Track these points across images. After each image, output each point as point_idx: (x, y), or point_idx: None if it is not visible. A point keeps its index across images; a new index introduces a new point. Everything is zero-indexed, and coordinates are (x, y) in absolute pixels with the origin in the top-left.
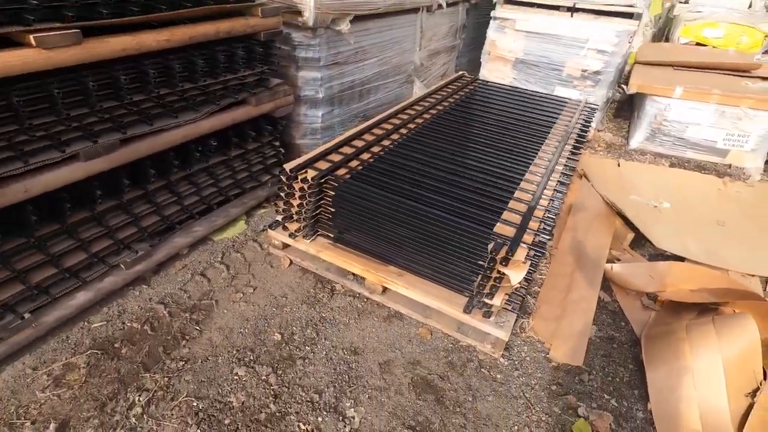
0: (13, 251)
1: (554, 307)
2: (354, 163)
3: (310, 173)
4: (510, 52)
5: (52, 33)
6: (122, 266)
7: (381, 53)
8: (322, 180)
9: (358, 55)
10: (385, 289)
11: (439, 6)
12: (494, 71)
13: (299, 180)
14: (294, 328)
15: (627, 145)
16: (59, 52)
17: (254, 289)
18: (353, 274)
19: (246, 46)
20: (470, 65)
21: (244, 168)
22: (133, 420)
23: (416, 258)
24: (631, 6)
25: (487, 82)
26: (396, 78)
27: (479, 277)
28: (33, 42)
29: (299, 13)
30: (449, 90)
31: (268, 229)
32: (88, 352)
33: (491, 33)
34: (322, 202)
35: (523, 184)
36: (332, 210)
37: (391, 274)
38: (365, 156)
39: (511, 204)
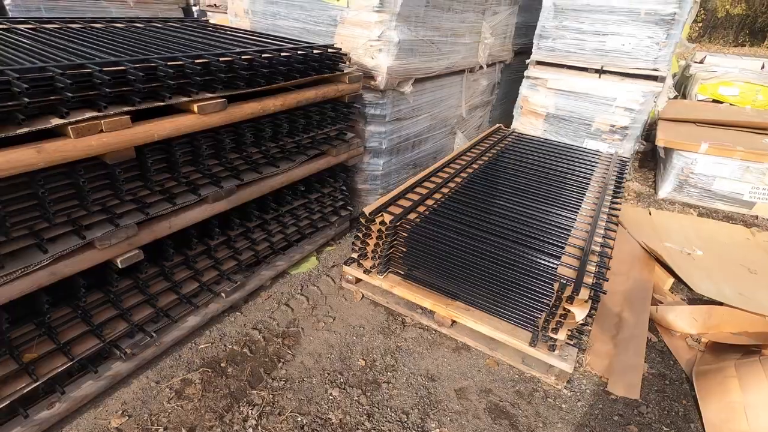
0: (148, 278)
1: (606, 344)
2: (421, 208)
3: (386, 217)
4: (542, 107)
5: (208, 102)
6: (223, 294)
7: (432, 109)
8: (397, 223)
9: (414, 112)
10: (453, 323)
11: (480, 67)
12: (526, 124)
13: (377, 222)
14: (374, 355)
15: (655, 195)
16: (211, 117)
17: (333, 319)
18: (422, 308)
19: (333, 106)
20: (502, 117)
21: (319, 209)
22: (250, 431)
23: (482, 295)
24: (655, 70)
25: (523, 134)
26: (442, 130)
27: (544, 313)
28: (196, 110)
29: (373, 78)
30: (490, 141)
31: (344, 265)
32: (200, 369)
33: (524, 90)
34: (395, 241)
35: (574, 231)
36: (404, 249)
37: (459, 308)
38: (429, 202)
39: (567, 248)
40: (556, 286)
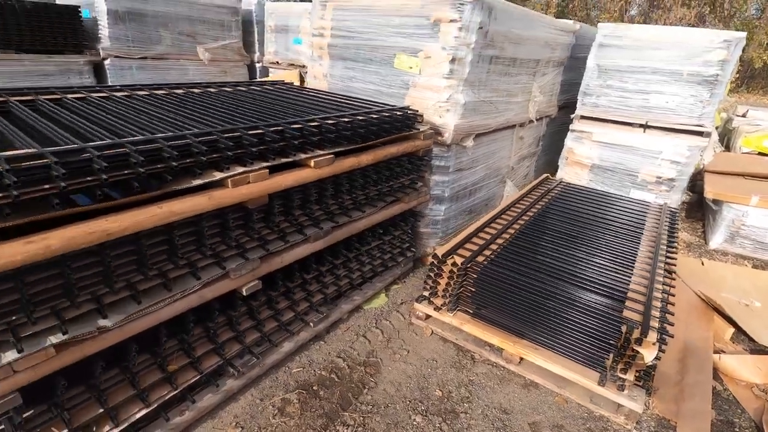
0: (258, 306)
1: (671, 389)
2: (486, 252)
3: (457, 259)
4: (587, 159)
5: (321, 158)
6: (311, 324)
7: (487, 160)
8: (468, 265)
9: (472, 163)
10: (520, 360)
11: (530, 121)
12: (571, 174)
13: (448, 263)
14: (450, 387)
15: (706, 245)
16: (323, 170)
17: (408, 352)
18: (490, 345)
19: (409, 159)
20: (546, 166)
21: (389, 250)
22: None
23: (548, 334)
24: (700, 126)
25: (570, 184)
26: (494, 179)
27: (611, 354)
28: (312, 164)
29: (440, 134)
30: (541, 190)
31: (415, 302)
32: (296, 390)
33: (569, 142)
34: (464, 282)
35: (633, 278)
36: (472, 289)
37: (526, 347)
38: (493, 246)
39: (629, 294)
40: (623, 328)
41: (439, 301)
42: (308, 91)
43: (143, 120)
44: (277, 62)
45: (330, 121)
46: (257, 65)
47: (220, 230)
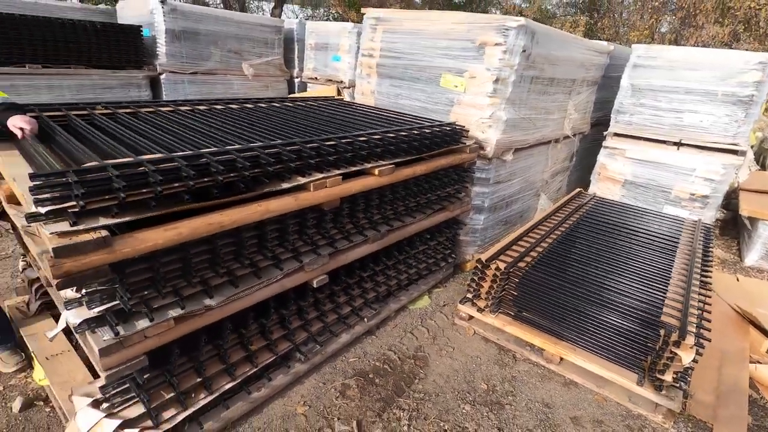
0: (323, 298)
1: (707, 394)
2: (528, 258)
3: (500, 264)
4: (620, 174)
5: (384, 167)
6: (365, 319)
7: (524, 174)
8: (510, 270)
9: (510, 176)
10: (560, 360)
11: (565, 137)
12: (603, 189)
13: (491, 268)
14: (494, 381)
15: (741, 262)
16: (385, 178)
17: (453, 349)
18: (531, 345)
19: (456, 171)
20: (578, 181)
21: (433, 254)
22: (405, 428)
23: (588, 336)
24: (735, 145)
25: (603, 198)
26: (529, 192)
27: (649, 356)
28: (376, 173)
29: (483, 148)
30: (575, 204)
31: (458, 304)
32: (354, 377)
33: (602, 158)
34: (507, 285)
35: (670, 287)
36: (514, 293)
37: (566, 348)
38: (533, 254)
39: (666, 301)
40: (662, 331)
41: (482, 303)
42: (359, 107)
43: (222, 131)
44: (316, 78)
45: (390, 135)
46: (296, 80)
47: (299, 228)
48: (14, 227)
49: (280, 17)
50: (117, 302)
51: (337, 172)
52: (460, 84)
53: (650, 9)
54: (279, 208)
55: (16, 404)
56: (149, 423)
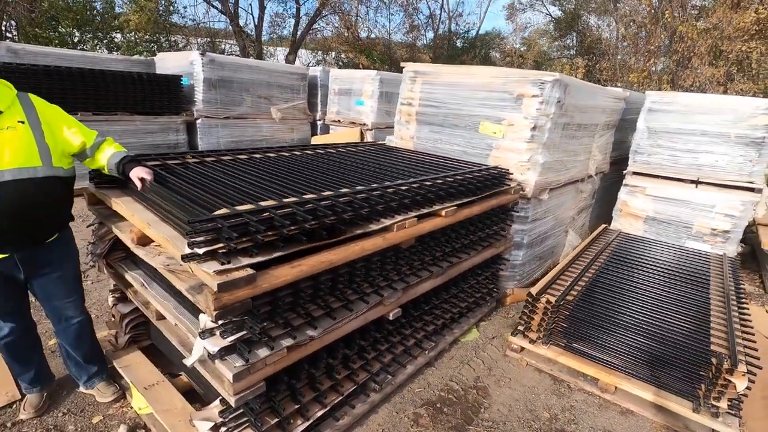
0: (393, 331)
1: (760, 422)
2: (573, 292)
3: (550, 297)
4: (641, 211)
5: (449, 208)
6: (426, 351)
7: (555, 212)
8: (561, 303)
9: (545, 214)
10: (615, 389)
11: (589, 177)
12: (626, 225)
13: (542, 301)
14: (555, 410)
15: (766, 294)
16: (450, 218)
17: (510, 380)
18: (584, 375)
19: (502, 210)
20: (599, 217)
21: (479, 289)
22: None
23: (641, 366)
24: (750, 183)
25: (629, 234)
26: (559, 229)
27: (703, 384)
28: (443, 214)
29: (522, 188)
30: (604, 240)
31: (510, 336)
32: (423, 406)
33: (623, 195)
34: (557, 318)
35: (713, 319)
36: (564, 324)
37: (620, 377)
38: (577, 287)
39: (712, 332)
40: (714, 360)
41: (533, 335)
42: (405, 151)
43: (296, 178)
44: (339, 120)
45: (450, 180)
46: (318, 123)
47: (380, 265)
48: (109, 265)
49: (294, 62)
50: (245, 332)
51: (414, 213)
52: (499, 131)
53: (646, 52)
54: (371, 247)
55: (121, 431)
56: None
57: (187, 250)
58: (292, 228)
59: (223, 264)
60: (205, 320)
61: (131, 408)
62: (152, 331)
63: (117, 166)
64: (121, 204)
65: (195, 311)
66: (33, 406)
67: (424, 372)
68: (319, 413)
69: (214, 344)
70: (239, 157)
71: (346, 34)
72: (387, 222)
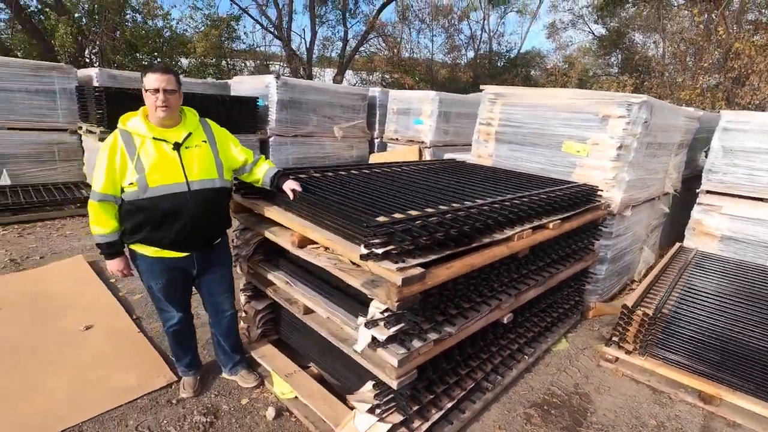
0: (503, 334)
1: None
2: (667, 306)
3: (647, 311)
4: (716, 230)
5: (555, 221)
6: (526, 356)
7: (634, 228)
8: (658, 315)
9: (625, 230)
10: (720, 401)
11: (664, 194)
12: (700, 243)
13: (638, 313)
14: (660, 419)
15: None
16: (555, 231)
17: (609, 388)
18: (684, 387)
19: (593, 226)
20: (669, 236)
21: (567, 301)
22: None
23: (746, 379)
24: None
25: (706, 253)
26: (636, 245)
27: None
28: (551, 226)
29: (609, 205)
30: (683, 257)
31: (604, 347)
32: (531, 407)
33: (696, 214)
34: (653, 330)
35: None
36: (660, 336)
37: (725, 390)
38: (670, 301)
39: None
40: None
41: (628, 346)
42: (489, 168)
43: (420, 191)
44: (397, 138)
45: (552, 194)
46: (376, 141)
47: (501, 271)
48: (255, 273)
49: (341, 83)
50: (404, 324)
51: (528, 225)
52: (582, 149)
53: (699, 69)
54: (498, 254)
55: (270, 413)
56: (404, 430)
57: (363, 251)
58: (441, 234)
59: (396, 263)
60: (374, 312)
61: (271, 393)
62: (282, 326)
63: (272, 179)
64: (274, 212)
65: (348, 306)
66: (191, 387)
67: (525, 376)
68: (449, 405)
69: (382, 333)
70: (347, 172)
71: (390, 55)
72: (509, 232)
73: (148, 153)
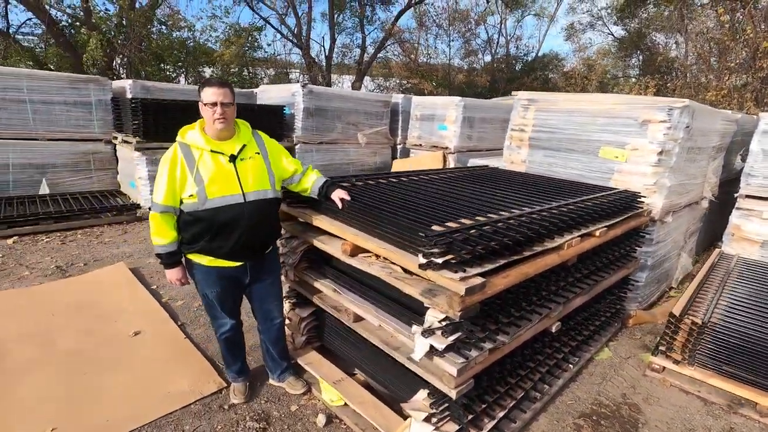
0: (549, 342)
1: None
2: (716, 314)
3: (694, 320)
4: (757, 236)
5: (600, 229)
6: (571, 365)
7: (673, 234)
8: (707, 324)
9: (666, 236)
10: None
11: (702, 199)
12: (739, 250)
13: (687, 323)
14: (714, 430)
15: None
16: (601, 238)
17: (658, 399)
18: (737, 398)
19: (636, 233)
20: (703, 242)
21: (609, 309)
22: None
23: None
24: None
25: (747, 259)
26: (675, 252)
27: None
28: (597, 234)
29: (650, 212)
30: (724, 264)
31: (650, 356)
32: (580, 418)
33: (735, 219)
34: (702, 339)
35: None
36: (709, 345)
37: None
38: (718, 310)
39: None
40: None
41: (676, 356)
42: (525, 175)
43: (458, 200)
44: (420, 144)
45: (597, 201)
46: (398, 147)
47: (548, 280)
48: (301, 281)
49: (360, 89)
50: (461, 333)
51: (576, 233)
52: (621, 155)
53: (725, 69)
54: (550, 262)
55: (320, 420)
56: None
57: (422, 260)
58: (496, 243)
59: (456, 272)
60: (432, 320)
61: (319, 400)
62: (325, 333)
63: (320, 188)
64: (323, 220)
65: (398, 314)
66: (241, 393)
67: (570, 386)
68: (501, 414)
69: (440, 342)
70: (387, 180)
71: (408, 61)
72: (560, 240)
73: (207, 165)
